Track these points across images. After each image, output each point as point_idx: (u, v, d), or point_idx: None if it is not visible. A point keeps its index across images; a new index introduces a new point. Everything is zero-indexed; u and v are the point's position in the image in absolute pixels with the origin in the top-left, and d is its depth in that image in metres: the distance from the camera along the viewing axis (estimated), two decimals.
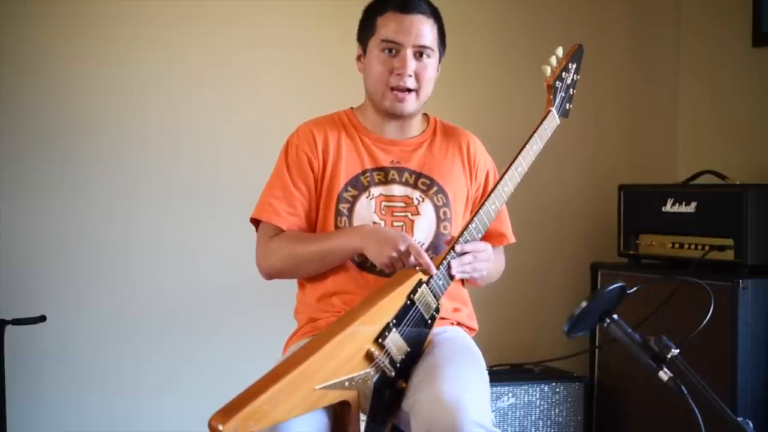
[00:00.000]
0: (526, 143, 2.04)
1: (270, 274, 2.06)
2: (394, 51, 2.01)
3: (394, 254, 1.88)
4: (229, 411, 1.62)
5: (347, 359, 1.77)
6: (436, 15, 2.06)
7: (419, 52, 2.02)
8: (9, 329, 2.55)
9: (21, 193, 2.85)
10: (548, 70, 2.10)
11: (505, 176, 2.00)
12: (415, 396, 1.80)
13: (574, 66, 2.16)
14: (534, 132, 2.06)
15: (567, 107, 2.15)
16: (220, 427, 1.58)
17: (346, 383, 1.77)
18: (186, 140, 3.00)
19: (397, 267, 1.90)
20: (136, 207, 2.96)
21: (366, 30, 2.07)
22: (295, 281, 2.14)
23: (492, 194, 1.99)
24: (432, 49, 2.04)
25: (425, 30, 2.02)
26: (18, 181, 2.84)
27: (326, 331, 1.82)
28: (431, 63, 2.04)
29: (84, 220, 2.90)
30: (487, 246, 1.98)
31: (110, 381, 2.93)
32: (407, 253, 1.88)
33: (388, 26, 2.01)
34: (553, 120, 2.10)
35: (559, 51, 2.12)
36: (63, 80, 2.88)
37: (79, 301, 2.89)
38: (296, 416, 1.72)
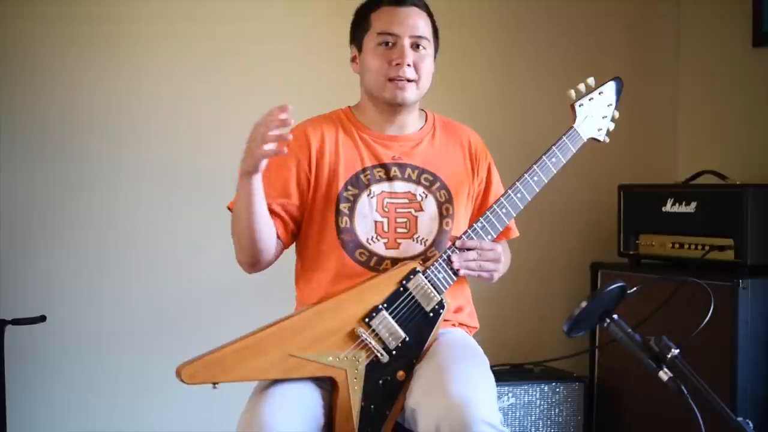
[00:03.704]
0: (544, 154, 2.05)
1: (241, 262, 1.99)
2: (391, 43, 2.01)
3: (259, 144, 1.74)
4: (193, 359, 1.72)
5: (328, 333, 1.80)
6: (428, 11, 2.08)
7: (416, 43, 2.02)
8: (9, 329, 2.55)
9: (21, 192, 2.84)
10: (573, 94, 2.11)
11: (517, 183, 2.01)
12: (423, 395, 1.81)
13: (608, 94, 2.15)
14: (553, 145, 2.06)
15: (597, 130, 2.14)
16: (182, 371, 1.69)
17: (330, 358, 1.80)
18: (186, 140, 3.00)
19: (268, 148, 1.74)
20: (136, 207, 2.96)
21: (360, 28, 2.07)
22: (294, 281, 2.14)
23: (503, 199, 1.99)
24: (428, 41, 2.04)
25: (420, 22, 2.03)
26: (18, 180, 2.84)
27: (308, 305, 1.87)
28: (428, 54, 2.05)
29: (84, 220, 2.90)
30: (495, 246, 1.98)
31: (110, 381, 2.92)
32: (264, 127, 1.74)
33: (383, 19, 2.02)
34: (576, 137, 2.10)
35: (591, 80, 2.12)
36: (64, 80, 2.87)
37: (79, 301, 2.89)
38: (271, 378, 1.77)
